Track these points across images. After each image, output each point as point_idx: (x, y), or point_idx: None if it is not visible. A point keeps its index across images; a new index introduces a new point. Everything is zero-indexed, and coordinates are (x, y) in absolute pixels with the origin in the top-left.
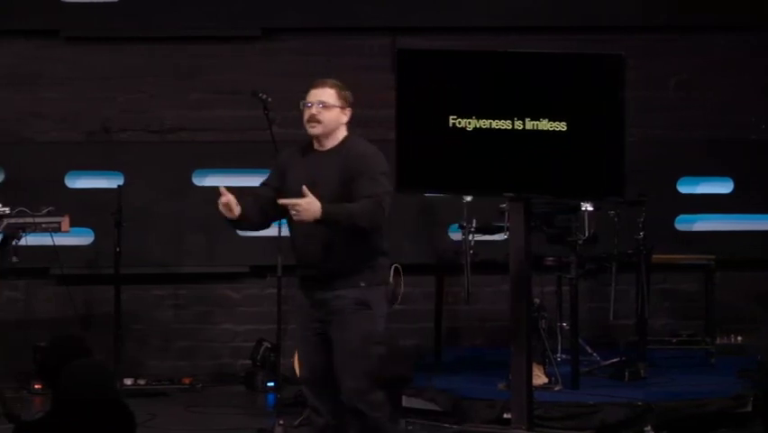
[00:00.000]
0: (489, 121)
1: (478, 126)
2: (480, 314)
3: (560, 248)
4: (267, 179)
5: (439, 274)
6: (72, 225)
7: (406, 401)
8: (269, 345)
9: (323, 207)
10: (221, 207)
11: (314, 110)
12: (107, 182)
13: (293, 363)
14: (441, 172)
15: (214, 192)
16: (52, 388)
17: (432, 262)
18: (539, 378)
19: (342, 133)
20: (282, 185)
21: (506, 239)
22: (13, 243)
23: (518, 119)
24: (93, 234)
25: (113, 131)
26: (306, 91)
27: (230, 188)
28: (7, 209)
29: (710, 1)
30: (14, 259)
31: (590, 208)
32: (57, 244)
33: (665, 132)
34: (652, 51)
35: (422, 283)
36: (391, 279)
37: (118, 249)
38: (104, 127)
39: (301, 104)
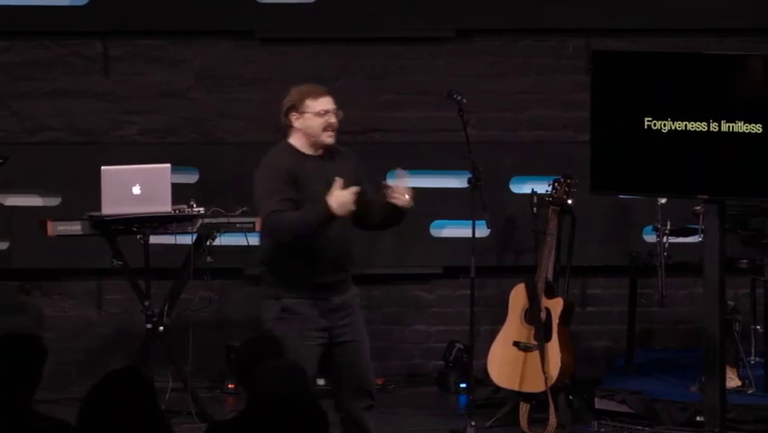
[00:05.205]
0: (685, 123)
1: (673, 128)
2: (673, 316)
3: (754, 250)
4: (288, 194)
5: (632, 276)
6: None
7: (598, 403)
8: (462, 346)
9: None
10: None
11: (333, 118)
12: None
13: (487, 364)
14: (635, 174)
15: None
16: (246, 388)
17: (625, 263)
18: (732, 380)
19: None
20: (297, 197)
21: (700, 241)
22: (208, 243)
23: (714, 121)
24: None
25: None
26: (315, 98)
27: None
28: (202, 209)
29: None
30: (209, 259)
31: None
32: (251, 244)
33: None
34: None
35: (614, 285)
36: None
37: None
38: None
39: (309, 110)
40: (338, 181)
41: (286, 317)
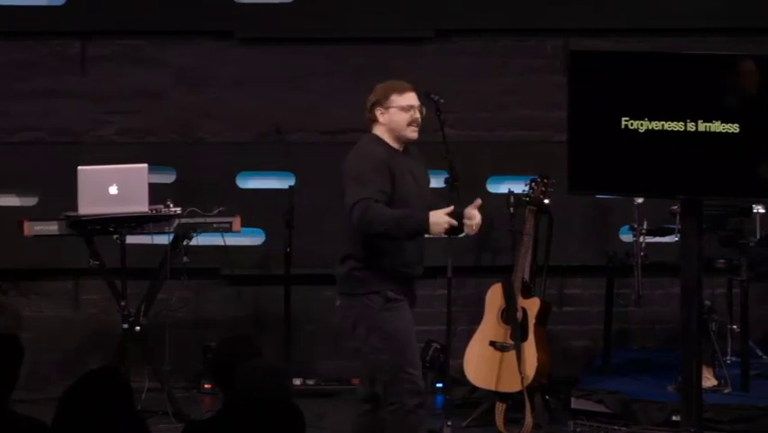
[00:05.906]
0: (662, 123)
1: (650, 128)
2: (650, 316)
3: (731, 250)
4: (383, 186)
5: (609, 276)
6: (243, 225)
7: (574, 403)
8: (439, 346)
9: None
10: (444, 229)
11: (417, 114)
12: (279, 183)
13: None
14: (612, 174)
15: None
16: (222, 388)
17: (602, 263)
18: (708, 380)
19: None
20: (390, 191)
21: (677, 241)
22: (185, 243)
23: (691, 121)
24: (264, 234)
25: (284, 132)
26: (401, 93)
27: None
28: (179, 209)
29: None
30: (185, 259)
31: (762, 210)
32: (228, 244)
33: None
34: None
35: (593, 285)
36: None
37: (289, 249)
38: (275, 128)
39: (394, 104)
40: (450, 208)
41: (392, 307)
